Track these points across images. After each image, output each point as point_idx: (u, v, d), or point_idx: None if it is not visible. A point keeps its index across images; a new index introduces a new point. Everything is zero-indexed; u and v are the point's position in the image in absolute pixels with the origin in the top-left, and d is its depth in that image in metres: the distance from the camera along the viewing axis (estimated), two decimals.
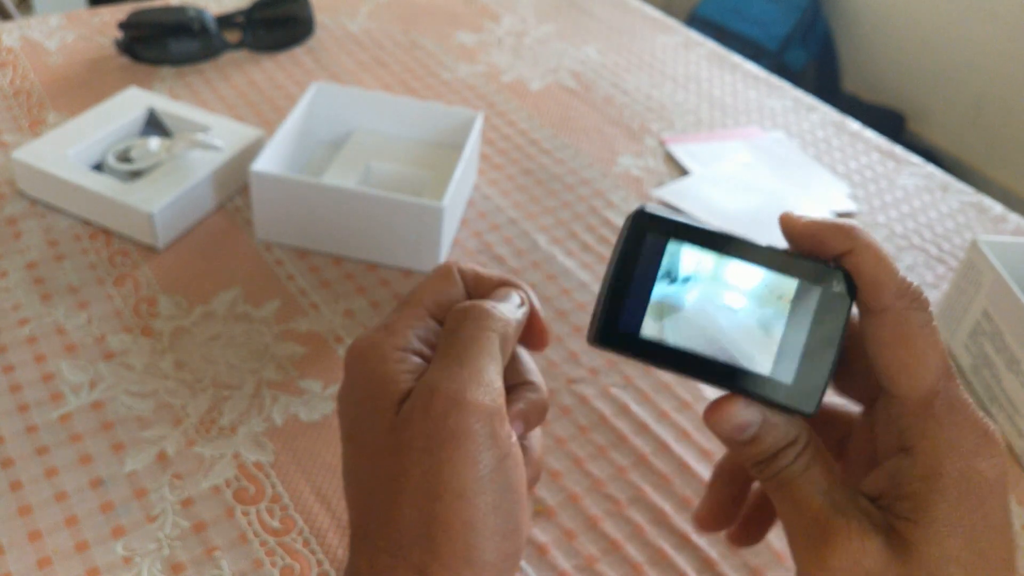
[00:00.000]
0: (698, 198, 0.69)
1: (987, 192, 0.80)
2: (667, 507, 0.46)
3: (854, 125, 0.84)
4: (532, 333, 0.38)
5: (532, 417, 0.36)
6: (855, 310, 0.31)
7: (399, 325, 0.35)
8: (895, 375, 0.30)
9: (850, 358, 0.33)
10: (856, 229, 0.30)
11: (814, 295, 0.30)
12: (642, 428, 0.51)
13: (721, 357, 0.31)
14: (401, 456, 0.32)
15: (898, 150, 0.81)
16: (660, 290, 0.31)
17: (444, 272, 0.37)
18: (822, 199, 0.72)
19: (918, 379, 0.29)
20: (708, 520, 0.38)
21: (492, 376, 0.33)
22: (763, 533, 0.38)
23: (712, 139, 0.78)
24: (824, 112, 0.85)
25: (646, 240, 0.31)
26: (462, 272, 0.37)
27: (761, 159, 0.76)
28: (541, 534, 0.45)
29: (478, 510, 0.31)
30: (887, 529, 0.29)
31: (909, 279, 0.30)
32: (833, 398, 0.35)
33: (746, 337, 0.31)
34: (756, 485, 0.37)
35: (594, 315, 0.31)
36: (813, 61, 2.42)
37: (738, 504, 0.37)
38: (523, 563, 0.43)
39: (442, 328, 0.35)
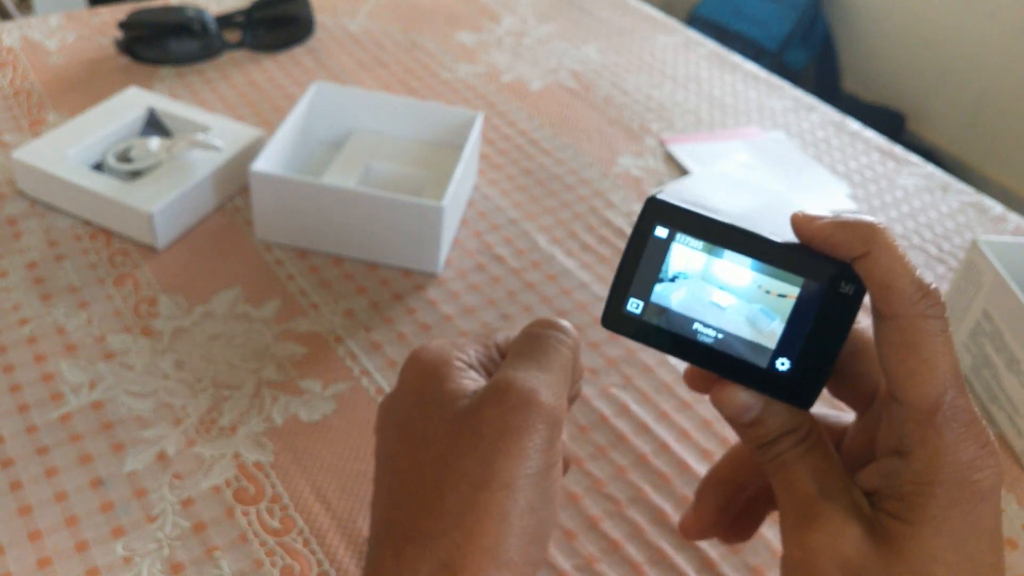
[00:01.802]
0: (698, 198, 0.69)
1: (987, 192, 0.80)
2: (667, 507, 0.46)
3: (854, 125, 0.84)
4: None
5: None
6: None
7: (464, 344, 0.37)
8: (902, 382, 0.29)
9: (847, 362, 0.33)
10: (873, 230, 0.29)
11: (819, 293, 0.31)
12: (642, 428, 0.51)
13: (721, 347, 0.32)
14: (458, 441, 0.33)
15: (898, 150, 0.81)
16: (666, 278, 0.32)
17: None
18: (822, 199, 0.72)
19: (925, 388, 0.29)
20: (693, 528, 0.38)
21: (563, 387, 0.34)
22: (750, 532, 0.39)
23: (712, 139, 0.78)
24: (824, 112, 0.85)
25: (655, 229, 0.32)
26: None
27: (761, 159, 0.76)
28: None
29: (517, 504, 0.32)
30: (873, 522, 0.30)
31: (927, 279, 0.29)
32: (824, 409, 0.35)
33: (747, 329, 0.31)
34: (745, 495, 0.38)
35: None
36: (813, 61, 2.42)
37: (725, 514, 0.38)
38: None
39: (520, 332, 0.36)
